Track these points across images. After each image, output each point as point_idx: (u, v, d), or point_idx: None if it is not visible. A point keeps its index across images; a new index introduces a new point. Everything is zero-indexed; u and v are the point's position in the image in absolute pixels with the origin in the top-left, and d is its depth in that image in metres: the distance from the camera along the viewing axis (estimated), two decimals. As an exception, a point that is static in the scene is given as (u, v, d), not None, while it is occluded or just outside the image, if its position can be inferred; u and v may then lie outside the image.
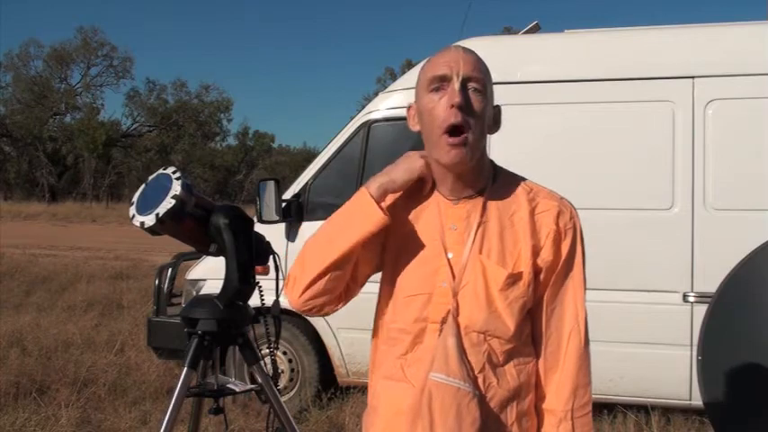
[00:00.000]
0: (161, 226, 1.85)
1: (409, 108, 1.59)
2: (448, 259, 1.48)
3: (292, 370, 4.87)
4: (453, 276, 1.47)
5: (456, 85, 1.42)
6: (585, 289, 1.54)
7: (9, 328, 6.43)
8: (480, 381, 1.45)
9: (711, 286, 3.66)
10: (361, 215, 1.54)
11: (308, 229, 4.81)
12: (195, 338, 1.95)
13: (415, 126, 1.56)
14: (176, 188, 1.85)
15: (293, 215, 4.75)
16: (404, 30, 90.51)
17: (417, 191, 1.57)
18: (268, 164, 46.50)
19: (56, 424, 4.16)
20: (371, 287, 5.47)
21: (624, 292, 4.13)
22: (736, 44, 4.24)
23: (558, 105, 4.33)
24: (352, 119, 4.98)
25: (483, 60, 1.50)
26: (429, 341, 1.48)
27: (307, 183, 4.85)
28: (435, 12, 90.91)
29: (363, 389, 4.76)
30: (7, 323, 6.69)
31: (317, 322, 4.79)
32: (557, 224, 1.49)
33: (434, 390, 1.43)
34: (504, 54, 4.58)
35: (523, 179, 1.57)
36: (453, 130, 1.42)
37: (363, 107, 5.07)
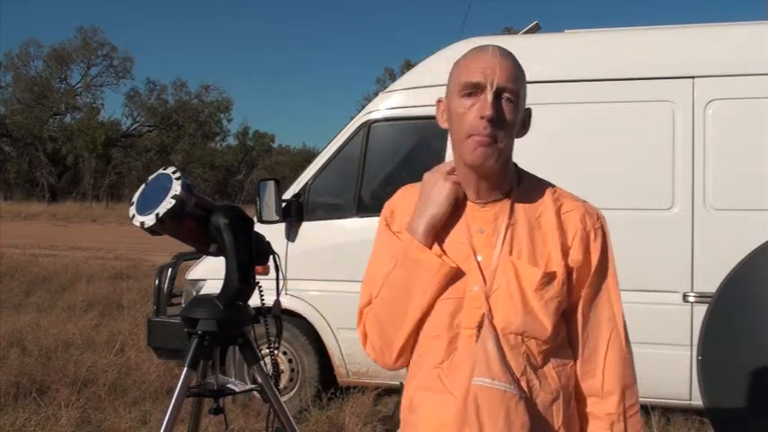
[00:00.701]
0: (161, 226, 1.85)
1: (439, 102, 1.57)
2: (478, 263, 1.46)
3: (292, 370, 4.87)
4: (484, 280, 1.45)
5: (489, 96, 1.40)
6: (619, 288, 1.53)
7: (9, 328, 6.42)
8: (523, 383, 1.43)
9: (711, 286, 3.66)
10: (424, 271, 1.47)
11: (308, 229, 4.81)
12: (195, 338, 1.95)
13: (443, 123, 1.54)
14: (176, 188, 1.85)
15: (293, 215, 4.75)
16: (404, 30, 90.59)
17: None
18: (268, 164, 46.49)
19: (56, 424, 4.16)
20: (371, 287, 5.30)
21: (624, 292, 4.08)
22: (736, 44, 4.24)
23: (558, 105, 4.33)
24: (352, 119, 4.98)
25: (520, 66, 1.47)
26: (465, 348, 1.45)
27: (307, 183, 4.85)
28: (435, 12, 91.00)
29: (363, 389, 4.76)
30: (7, 323, 6.69)
31: (317, 322, 4.79)
32: (583, 224, 1.49)
33: (480, 395, 1.40)
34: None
35: (548, 182, 1.57)
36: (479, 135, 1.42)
37: (363, 107, 5.07)
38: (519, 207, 1.50)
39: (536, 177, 1.57)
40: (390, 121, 4.80)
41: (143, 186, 1.93)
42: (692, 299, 4.05)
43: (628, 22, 14.62)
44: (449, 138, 1.53)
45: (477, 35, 4.86)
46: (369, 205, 4.87)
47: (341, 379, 4.84)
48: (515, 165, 1.56)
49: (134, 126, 45.76)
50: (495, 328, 1.43)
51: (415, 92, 4.67)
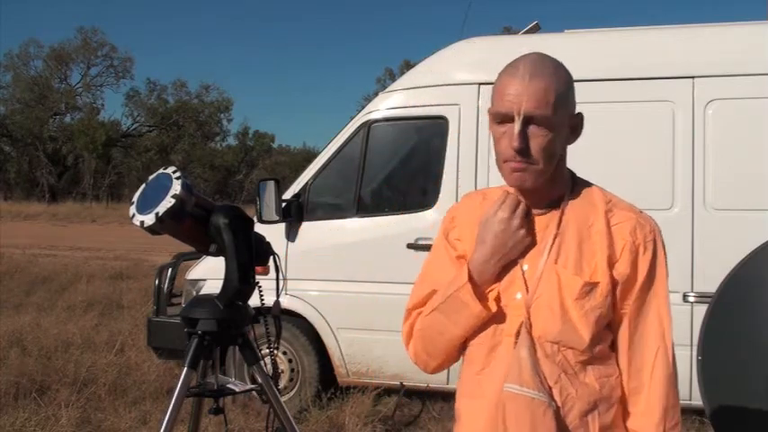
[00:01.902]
0: (161, 225, 1.85)
1: (489, 110, 1.54)
2: (522, 271, 1.48)
3: (292, 370, 4.87)
4: (526, 288, 1.47)
5: (517, 126, 1.40)
6: (669, 306, 1.54)
7: (9, 328, 6.42)
8: (557, 391, 1.43)
9: (711, 286, 3.66)
10: (468, 314, 1.50)
11: (308, 229, 4.81)
12: (195, 338, 1.95)
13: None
14: (176, 187, 1.85)
15: (293, 215, 4.75)
16: (404, 30, 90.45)
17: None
18: (268, 164, 46.47)
19: (56, 424, 4.16)
20: (371, 287, 5.43)
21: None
22: (736, 44, 4.24)
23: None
24: (352, 119, 4.98)
25: (556, 80, 1.44)
26: (504, 355, 1.47)
27: (307, 183, 4.85)
28: (435, 12, 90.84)
29: (363, 389, 4.75)
30: (7, 323, 6.69)
31: (317, 322, 4.79)
32: (633, 237, 1.47)
33: (508, 401, 1.42)
34: (504, 54, 4.58)
35: (602, 190, 1.56)
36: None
37: (363, 107, 5.07)
38: (570, 216, 1.50)
39: (590, 185, 1.57)
40: (390, 121, 4.80)
41: (143, 186, 1.93)
42: (692, 299, 4.05)
43: (628, 22, 14.63)
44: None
45: (477, 35, 4.87)
46: (369, 205, 4.87)
47: (341, 379, 4.84)
48: (570, 171, 1.56)
49: (134, 126, 45.76)
50: (531, 337, 1.44)
51: (415, 92, 4.67)
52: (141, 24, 79.73)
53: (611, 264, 1.46)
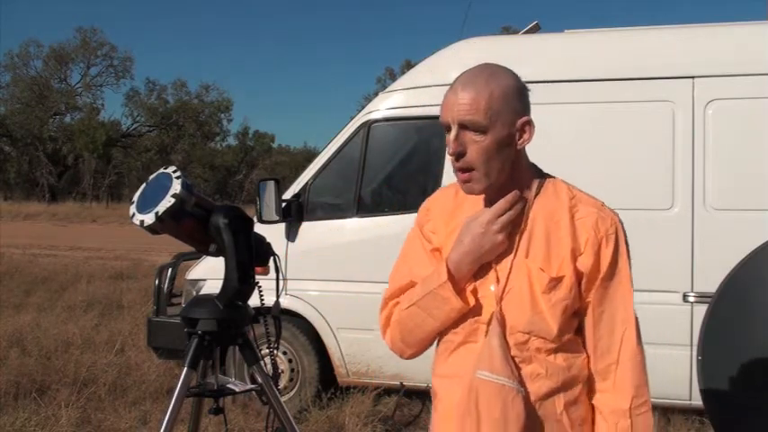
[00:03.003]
0: (160, 225, 1.85)
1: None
2: (494, 265, 1.57)
3: (292, 370, 4.87)
4: (497, 280, 1.56)
5: (452, 133, 1.53)
6: (633, 291, 1.62)
7: (9, 328, 6.42)
8: (527, 373, 1.53)
9: (711, 286, 3.66)
10: (449, 308, 1.59)
11: (308, 229, 4.81)
12: (195, 338, 1.95)
13: None
14: (176, 187, 1.85)
15: (293, 215, 4.75)
16: (404, 30, 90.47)
17: (472, 199, 1.63)
18: (268, 164, 46.46)
19: (56, 424, 4.16)
20: (371, 287, 5.45)
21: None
22: (736, 44, 4.24)
23: (558, 105, 4.32)
24: (352, 119, 4.98)
25: (486, 89, 1.51)
26: (478, 341, 1.57)
27: (307, 183, 4.85)
28: (435, 12, 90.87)
29: (363, 389, 4.75)
30: (7, 323, 6.69)
31: (317, 322, 4.79)
32: (596, 231, 1.56)
33: (480, 387, 1.52)
34: (503, 54, 4.59)
35: (567, 185, 1.64)
36: (460, 170, 1.55)
37: (363, 107, 5.07)
38: (537, 211, 1.58)
39: (556, 180, 1.64)
40: (390, 121, 4.80)
41: (144, 185, 1.93)
42: (692, 299, 4.05)
43: (628, 22, 14.63)
44: None
45: (477, 35, 4.87)
46: (369, 205, 4.87)
47: (341, 379, 4.84)
48: (535, 167, 1.64)
49: (134, 126, 45.74)
50: (503, 326, 1.54)
51: (415, 92, 4.67)
52: (141, 24, 79.78)
53: (575, 256, 1.55)
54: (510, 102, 1.53)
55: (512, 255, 1.56)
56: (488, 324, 1.55)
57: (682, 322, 4.05)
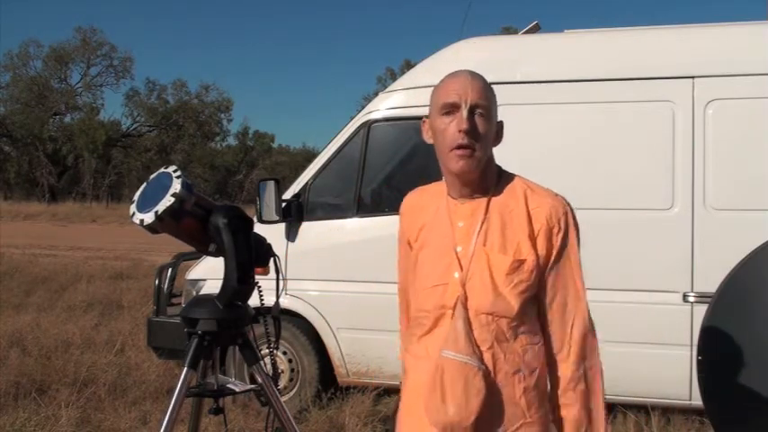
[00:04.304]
0: (160, 224, 1.85)
1: (423, 122, 1.82)
2: (456, 253, 1.71)
3: (292, 370, 4.87)
4: (461, 267, 1.69)
5: (464, 112, 1.66)
6: (582, 272, 1.74)
7: (9, 328, 6.42)
8: (489, 356, 1.67)
9: (711, 286, 3.66)
10: None
11: (308, 229, 4.81)
12: (195, 338, 1.95)
13: (428, 139, 1.80)
14: (176, 186, 1.85)
15: (293, 215, 4.74)
16: (404, 30, 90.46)
17: (436, 196, 1.83)
18: (268, 164, 46.45)
19: (56, 424, 4.15)
20: (371, 287, 5.43)
21: (624, 292, 4.12)
22: (736, 44, 4.24)
23: (558, 105, 4.32)
24: (352, 119, 4.98)
25: (489, 85, 1.73)
26: (445, 324, 1.70)
27: (307, 183, 4.85)
28: (435, 12, 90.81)
29: (363, 389, 4.75)
30: (7, 323, 6.69)
31: (317, 322, 4.79)
32: (547, 219, 1.70)
33: (445, 365, 1.66)
34: (503, 54, 4.58)
35: (523, 179, 1.79)
36: (460, 147, 1.67)
37: (363, 107, 5.07)
38: (494, 203, 1.74)
39: (513, 176, 1.80)
40: (390, 121, 4.80)
41: (144, 185, 1.94)
42: (692, 299, 4.05)
43: (628, 22, 14.62)
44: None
45: (477, 35, 4.87)
46: (369, 205, 4.87)
47: (341, 379, 4.84)
48: (498, 167, 1.80)
49: (134, 126, 45.72)
50: (467, 309, 1.68)
51: (415, 92, 4.67)
52: (141, 24, 79.76)
53: (532, 242, 1.70)
54: (496, 104, 1.74)
55: (473, 243, 1.70)
56: (454, 308, 1.68)
57: (682, 322, 4.05)
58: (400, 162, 5.08)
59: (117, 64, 44.17)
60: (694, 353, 3.64)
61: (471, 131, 1.65)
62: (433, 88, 1.77)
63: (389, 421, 4.58)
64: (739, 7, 57.97)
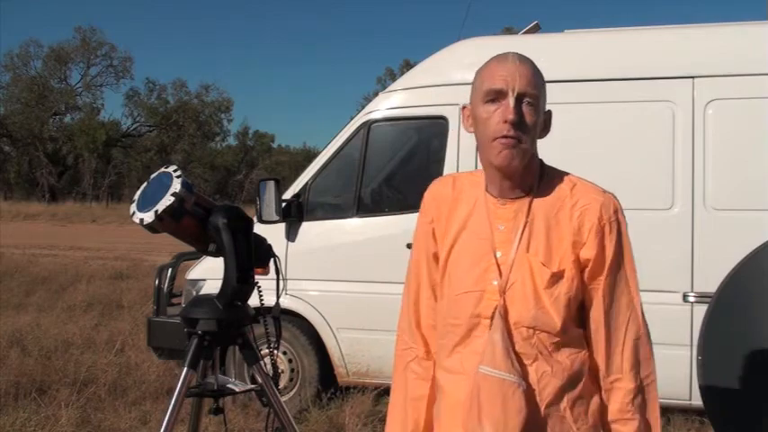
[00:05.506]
0: (160, 223, 1.85)
1: (464, 108, 1.64)
2: (496, 258, 1.56)
3: (292, 370, 4.87)
4: (500, 274, 1.55)
5: (511, 101, 1.50)
6: (636, 276, 1.61)
7: (9, 328, 6.42)
8: (533, 370, 1.53)
9: (711, 286, 3.66)
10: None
11: (308, 228, 4.81)
12: (195, 338, 1.95)
13: (469, 128, 1.63)
14: (176, 186, 1.85)
15: (293, 215, 4.74)
16: (404, 30, 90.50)
17: (471, 188, 1.65)
18: (268, 164, 46.49)
19: (56, 424, 4.15)
20: (371, 287, 5.42)
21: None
22: (736, 44, 4.24)
23: (558, 105, 4.30)
24: (352, 119, 4.98)
25: (538, 70, 1.56)
26: (483, 336, 1.56)
27: (307, 183, 4.84)
28: (435, 12, 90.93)
29: (363, 389, 4.75)
30: (7, 323, 6.68)
31: (317, 322, 4.79)
32: (599, 218, 1.55)
33: (482, 381, 1.52)
34: (504, 54, 4.58)
35: (569, 175, 1.64)
36: (504, 138, 1.51)
37: (363, 107, 5.07)
38: (538, 204, 1.58)
39: (559, 172, 1.64)
40: (390, 121, 4.79)
41: (144, 184, 1.94)
42: (692, 299, 4.05)
43: (628, 22, 14.62)
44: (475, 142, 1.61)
45: (478, 35, 4.87)
46: (369, 205, 4.86)
47: (341, 379, 4.83)
48: (541, 161, 1.63)
49: (134, 126, 45.77)
50: (506, 321, 1.53)
51: (415, 92, 4.66)
52: (141, 24, 79.76)
53: (578, 247, 1.55)
54: (546, 92, 1.58)
55: (514, 248, 1.55)
56: (491, 318, 1.54)
57: (682, 322, 4.04)
58: (400, 162, 5.08)
59: (117, 64, 44.28)
60: (694, 353, 3.64)
61: (518, 122, 1.49)
62: (476, 72, 1.61)
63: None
64: (739, 7, 57.99)
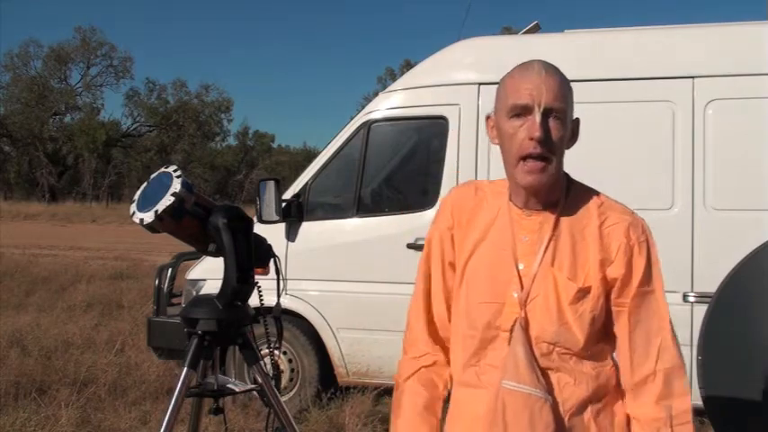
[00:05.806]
0: (160, 223, 1.85)
1: (488, 118, 1.59)
2: (518, 270, 1.51)
3: (292, 370, 4.87)
4: (522, 287, 1.50)
5: (537, 117, 1.43)
6: (665, 299, 1.55)
7: (9, 328, 6.42)
8: (555, 380, 1.49)
9: (711, 286, 3.66)
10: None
11: (308, 228, 4.81)
12: (195, 338, 1.95)
13: (494, 140, 1.56)
14: (176, 186, 1.85)
15: (293, 215, 4.74)
16: (404, 30, 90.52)
17: (493, 197, 1.60)
18: (268, 164, 46.50)
19: (56, 424, 4.15)
20: (371, 287, 5.42)
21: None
22: (736, 44, 4.24)
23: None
24: (352, 119, 4.97)
25: (565, 79, 1.50)
26: (501, 349, 1.51)
27: (307, 183, 4.84)
28: (435, 12, 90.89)
29: (363, 389, 4.75)
30: (7, 323, 6.68)
31: (317, 322, 4.79)
32: (627, 238, 1.50)
33: (507, 397, 1.47)
34: (503, 54, 4.58)
35: (596, 192, 1.58)
36: (530, 158, 1.46)
37: (363, 107, 5.07)
38: (564, 218, 1.52)
39: (585, 187, 1.59)
40: (390, 121, 4.79)
41: (145, 184, 1.94)
42: (692, 299, 4.05)
43: (628, 22, 14.62)
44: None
45: (477, 35, 4.87)
46: (369, 205, 4.86)
47: (341, 379, 4.84)
48: (567, 175, 1.58)
49: (134, 126, 45.78)
50: (528, 335, 1.48)
51: (415, 92, 4.66)
52: (141, 24, 79.76)
53: (605, 265, 1.49)
54: (573, 100, 1.51)
55: (538, 261, 1.49)
56: (511, 331, 1.49)
57: (682, 322, 4.04)
58: (400, 162, 5.08)
59: (117, 64, 44.31)
60: (694, 353, 3.64)
61: (545, 139, 1.43)
62: (500, 81, 1.54)
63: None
64: (739, 7, 57.97)
